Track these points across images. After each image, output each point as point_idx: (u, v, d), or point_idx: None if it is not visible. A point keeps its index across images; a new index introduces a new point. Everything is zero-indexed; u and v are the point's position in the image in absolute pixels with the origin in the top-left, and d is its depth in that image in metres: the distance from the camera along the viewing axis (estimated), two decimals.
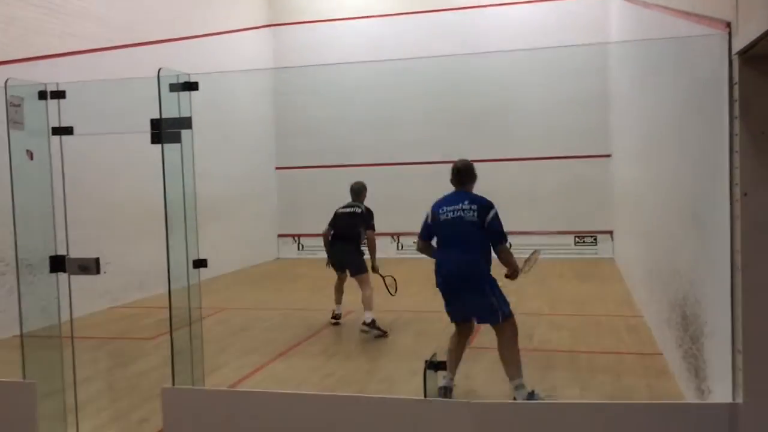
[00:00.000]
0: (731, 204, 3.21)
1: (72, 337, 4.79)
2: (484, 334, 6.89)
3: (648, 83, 6.98)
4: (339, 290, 7.95)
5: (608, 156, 12.53)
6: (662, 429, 3.27)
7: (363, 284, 7.46)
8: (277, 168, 14.64)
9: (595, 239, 13.09)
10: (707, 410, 3.33)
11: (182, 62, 5.27)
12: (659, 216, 6.17)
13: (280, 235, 14.62)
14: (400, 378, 5.47)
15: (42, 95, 4.32)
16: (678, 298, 5.00)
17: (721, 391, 3.57)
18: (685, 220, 4.74)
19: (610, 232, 12.79)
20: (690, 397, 4.49)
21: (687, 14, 4.50)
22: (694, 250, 4.43)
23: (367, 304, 7.25)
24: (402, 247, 13.83)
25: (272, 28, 14.58)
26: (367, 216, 7.90)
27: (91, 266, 4.42)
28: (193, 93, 4.14)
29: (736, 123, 3.14)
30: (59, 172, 4.82)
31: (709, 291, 3.96)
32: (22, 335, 4.30)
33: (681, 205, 4.92)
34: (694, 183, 4.40)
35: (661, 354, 5.88)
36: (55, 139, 4.42)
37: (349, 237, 7.76)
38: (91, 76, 8.04)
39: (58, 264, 4.40)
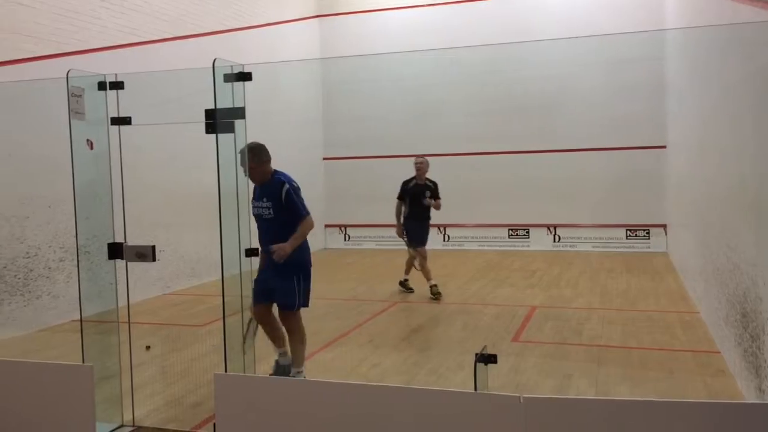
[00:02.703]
0: None
1: (129, 323, 4.94)
2: (532, 329, 6.83)
3: (708, 72, 6.75)
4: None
5: (663, 147, 12.19)
6: (721, 429, 3.17)
7: None
8: (325, 158, 14.73)
9: (648, 233, 12.77)
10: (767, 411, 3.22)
11: (232, 53, 5.32)
12: (717, 210, 5.97)
13: (326, 226, 14.72)
14: (447, 370, 5.45)
15: (101, 86, 4.43)
16: (738, 294, 4.83)
17: None
18: (747, 213, 4.57)
19: (664, 226, 12.46)
20: (750, 397, 4.34)
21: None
22: (757, 245, 4.27)
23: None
24: (448, 238, 13.77)
25: (320, 18, 14.63)
26: None
27: (148, 253, 4.53)
28: (245, 84, 4.19)
29: None
30: (117, 161, 4.96)
31: None
32: (81, 320, 4.44)
33: (741, 197, 4.75)
34: (757, 176, 4.24)
35: (719, 352, 5.70)
36: (114, 128, 4.54)
37: None
38: (147, 68, 8.23)
39: (116, 251, 4.52)
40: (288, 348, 5.15)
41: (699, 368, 5.37)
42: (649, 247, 12.70)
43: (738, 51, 4.96)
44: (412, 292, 8.82)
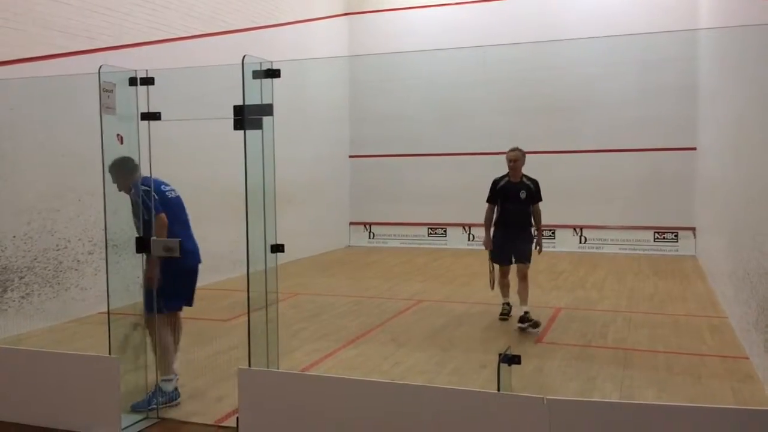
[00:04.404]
0: None
1: (155, 316, 4.99)
2: (556, 330, 6.77)
3: (742, 73, 6.62)
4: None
5: (693, 149, 12.00)
6: None
7: None
8: (351, 156, 14.76)
9: (677, 235, 12.58)
10: None
11: (261, 50, 5.35)
12: (749, 213, 5.85)
13: (351, 223, 14.76)
14: (470, 370, 5.43)
15: (132, 81, 4.49)
16: None
17: None
18: None
19: (693, 229, 12.27)
20: None
21: None
22: None
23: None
24: (473, 238, 13.71)
25: (348, 16, 14.66)
26: None
27: (175, 248, 4.58)
28: (273, 81, 4.21)
29: None
30: (146, 156, 5.02)
31: None
32: (108, 313, 4.50)
33: None
34: None
35: (747, 358, 5.59)
36: (143, 124, 4.59)
37: None
38: (178, 64, 8.33)
39: (143, 245, 4.58)
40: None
41: (727, 374, 5.27)
42: (677, 250, 12.51)
43: None
44: (538, 325, 6.74)
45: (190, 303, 5.25)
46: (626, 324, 7.02)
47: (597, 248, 12.95)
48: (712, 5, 9.92)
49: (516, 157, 6.93)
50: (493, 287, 7.20)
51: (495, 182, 7.13)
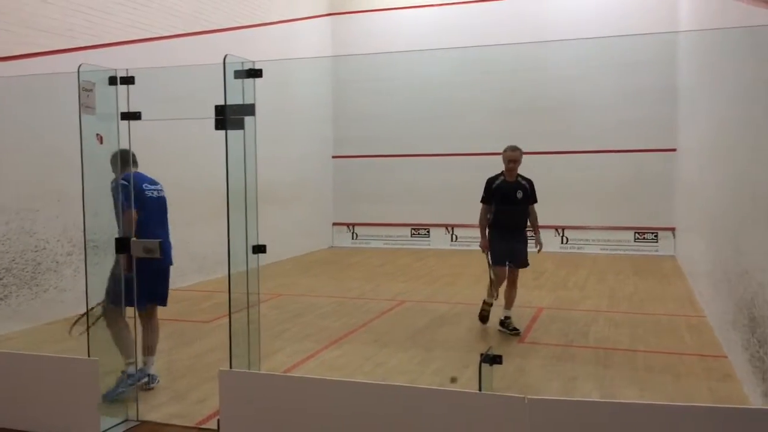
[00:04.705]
0: None
1: (135, 317, 4.96)
2: (538, 330, 6.81)
3: (720, 75, 6.71)
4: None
5: (673, 150, 12.13)
6: None
7: None
8: (334, 156, 14.74)
9: (656, 236, 12.71)
10: None
11: (244, 50, 5.33)
12: (727, 213, 5.93)
13: (334, 224, 14.74)
14: (452, 370, 5.44)
15: (112, 81, 4.45)
16: (746, 299, 4.80)
17: None
18: (757, 218, 4.54)
19: (672, 229, 12.40)
20: (756, 403, 4.31)
21: (766, 1, 4.30)
22: (767, 249, 4.24)
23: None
24: (456, 238, 13.76)
25: (332, 16, 14.64)
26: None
27: (155, 249, 4.55)
28: (256, 80, 4.19)
29: None
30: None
31: None
32: (88, 314, 4.46)
33: (752, 202, 4.72)
34: (767, 178, 4.21)
35: (725, 356, 5.67)
36: (123, 123, 4.55)
37: None
38: (160, 64, 8.26)
39: (123, 246, 4.54)
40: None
41: (705, 372, 5.34)
42: (657, 251, 12.64)
43: (752, 55, 4.92)
44: (518, 333, 6.56)
45: (163, 302, 5.24)
46: (607, 323, 7.08)
47: (578, 248, 13.05)
48: (691, 8, 10.03)
49: (516, 158, 6.67)
50: (496, 296, 6.73)
51: (490, 182, 6.78)
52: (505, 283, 6.76)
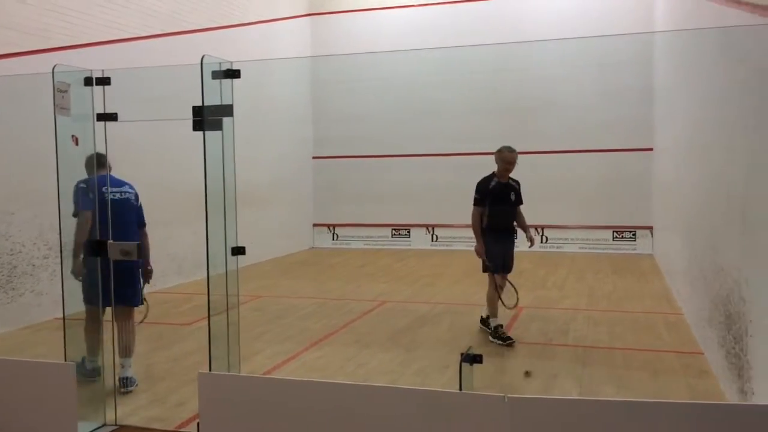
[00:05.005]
0: None
1: (113, 321, 4.91)
2: (518, 329, 6.85)
3: (695, 75, 6.80)
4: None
5: (650, 150, 12.27)
6: (703, 430, 3.19)
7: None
8: (314, 157, 14.70)
9: (634, 234, 12.85)
10: (750, 412, 3.24)
11: (223, 51, 5.30)
12: (702, 211, 6.01)
13: (315, 225, 14.70)
14: (433, 370, 5.45)
15: (88, 81, 4.39)
16: (722, 296, 4.87)
17: (765, 392, 3.46)
18: (732, 216, 4.61)
19: (650, 228, 12.55)
20: (732, 399, 4.37)
21: (738, 3, 4.36)
22: (741, 247, 4.30)
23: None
24: (437, 238, 13.79)
25: (312, 17, 14.61)
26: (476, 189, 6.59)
27: (132, 251, 4.50)
28: (234, 81, 4.17)
29: None
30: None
31: (756, 289, 3.85)
32: (64, 318, 4.40)
33: (727, 200, 4.79)
34: (742, 177, 4.27)
35: (702, 353, 5.74)
36: (100, 124, 4.50)
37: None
38: (138, 64, 8.18)
39: (99, 248, 4.48)
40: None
41: (683, 369, 5.40)
42: (635, 249, 12.78)
43: (725, 55, 5.00)
44: (512, 342, 6.24)
45: (129, 303, 5.22)
46: (586, 322, 7.13)
47: (558, 248, 13.15)
48: (667, 8, 10.16)
49: (515, 159, 6.49)
50: (516, 303, 6.43)
51: (485, 183, 6.49)
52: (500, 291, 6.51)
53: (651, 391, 4.88)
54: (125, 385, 4.97)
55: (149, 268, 5.42)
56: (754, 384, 3.87)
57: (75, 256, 4.74)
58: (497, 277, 6.46)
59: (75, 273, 4.74)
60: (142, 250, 5.30)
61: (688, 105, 7.28)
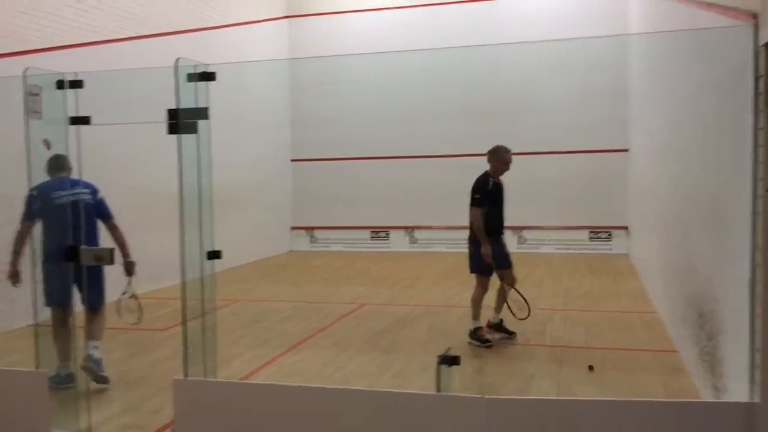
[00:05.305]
0: (754, 200, 3.15)
1: (86, 328, 4.83)
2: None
3: (668, 77, 6.89)
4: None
5: (625, 150, 12.41)
6: (677, 427, 3.23)
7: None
8: (293, 160, 14.65)
9: (610, 234, 12.98)
10: (723, 409, 3.29)
11: (200, 53, 5.27)
12: (677, 212, 6.09)
13: (293, 228, 14.64)
14: (412, 372, 5.45)
15: (60, 84, 4.32)
16: (695, 294, 4.93)
17: (737, 389, 3.51)
18: (704, 216, 4.67)
19: (625, 228, 12.68)
20: (706, 396, 4.43)
21: (710, 5, 4.43)
22: (714, 246, 4.36)
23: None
24: (416, 240, 13.81)
25: (289, 19, 14.56)
26: (472, 190, 6.44)
27: (106, 256, 4.44)
28: (211, 84, 4.13)
29: (762, 116, 3.08)
30: (76, 161, 4.85)
31: (727, 288, 3.91)
32: (36, 325, 4.33)
33: (700, 201, 4.85)
34: (714, 178, 4.34)
35: (677, 351, 5.81)
36: (73, 128, 4.43)
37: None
38: (109, 67, 8.07)
39: (73, 254, 4.41)
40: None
41: (658, 367, 5.46)
42: (611, 249, 12.90)
43: (699, 57, 5.07)
44: (513, 335, 6.44)
45: (91, 306, 5.18)
46: (563, 322, 7.19)
47: (535, 248, 13.23)
48: (642, 11, 10.29)
49: (511, 159, 6.44)
50: (519, 316, 6.18)
51: (483, 183, 6.37)
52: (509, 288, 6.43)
53: (628, 389, 4.93)
54: (91, 362, 4.93)
55: (130, 260, 5.38)
56: (726, 381, 3.92)
57: (11, 263, 4.85)
58: (506, 288, 6.35)
59: (11, 280, 4.76)
60: (121, 246, 5.29)
61: (663, 106, 7.37)
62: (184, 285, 4.01)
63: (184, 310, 3.97)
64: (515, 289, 6.35)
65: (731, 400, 3.58)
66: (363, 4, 14.21)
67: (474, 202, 6.35)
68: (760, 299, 3.07)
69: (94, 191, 5.33)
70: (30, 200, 4.79)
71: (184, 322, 3.97)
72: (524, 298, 6.25)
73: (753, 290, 3.15)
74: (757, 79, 3.12)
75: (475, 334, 6.32)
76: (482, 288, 6.41)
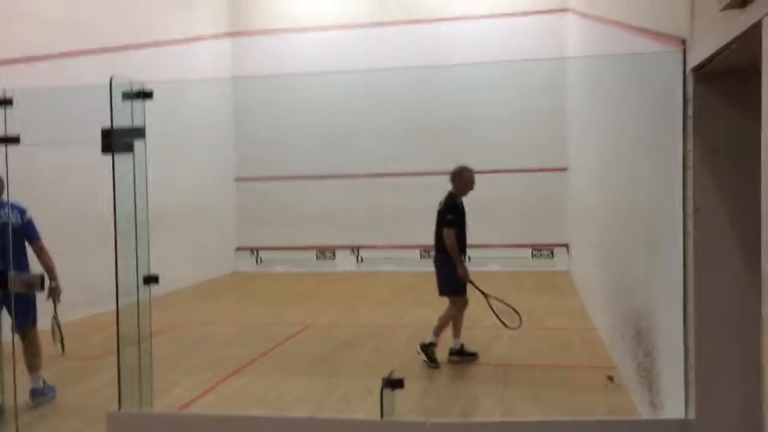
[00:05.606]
0: (684, 219, 3.25)
1: (14, 358, 4.60)
2: (442, 351, 6.88)
3: (603, 98, 7.11)
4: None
5: (565, 170, 12.72)
6: None
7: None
8: (237, 179, 14.44)
9: (552, 252, 13.24)
10: (659, 426, 3.35)
11: (140, 70, 5.12)
12: (613, 230, 6.25)
13: (238, 248, 14.40)
14: (357, 396, 5.39)
15: None
16: (631, 311, 5.05)
17: (673, 405, 3.59)
18: (639, 235, 4.80)
19: (566, 246, 12.95)
20: (644, 412, 4.52)
21: (643, 30, 4.59)
22: (648, 264, 4.48)
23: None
24: (362, 260, 13.76)
25: (233, 37, 14.43)
26: (444, 210, 6.38)
27: (36, 283, 4.26)
28: (152, 102, 4.04)
29: (690, 139, 3.19)
30: (6, 181, 4.65)
31: (661, 305, 4.01)
32: None
33: (634, 220, 4.99)
34: (647, 198, 4.47)
35: (615, 367, 5.93)
36: (0, 148, 4.25)
37: (436, 241, 6.46)
38: (41, 84, 7.80)
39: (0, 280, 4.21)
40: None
41: (598, 384, 5.55)
42: (553, 266, 13.15)
43: (631, 79, 5.24)
44: (476, 356, 6.45)
45: (17, 327, 5.00)
46: (508, 340, 7.24)
47: (481, 266, 13.33)
48: (579, 35, 10.62)
49: (474, 179, 6.63)
50: (512, 326, 6.19)
51: (454, 203, 6.42)
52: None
53: (569, 407, 4.99)
54: (35, 396, 4.77)
55: (53, 284, 5.17)
56: (663, 397, 4.01)
57: None
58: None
59: None
60: (48, 269, 5.09)
61: (598, 126, 7.59)
62: (118, 311, 3.86)
63: (118, 337, 3.83)
64: (499, 299, 6.32)
65: (668, 417, 3.66)
66: (307, 23, 14.20)
67: (447, 223, 6.30)
68: (692, 316, 3.15)
69: (22, 211, 5.16)
70: None
71: (118, 351, 3.82)
72: (512, 307, 6.25)
73: (685, 307, 3.23)
74: (685, 102, 3.24)
75: (428, 349, 6.21)
76: (462, 306, 6.40)
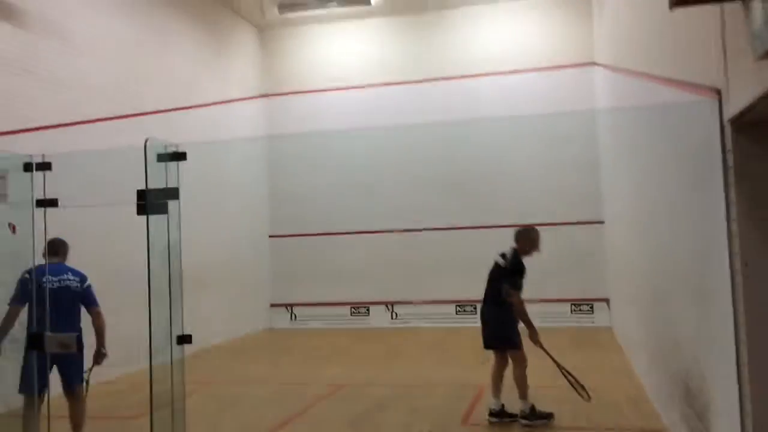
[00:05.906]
0: (732, 274, 3.11)
1: (48, 416, 4.60)
2: (483, 410, 6.65)
3: (636, 150, 7.00)
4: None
5: (601, 222, 12.50)
6: None
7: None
8: (271, 236, 14.55)
9: (592, 307, 12.89)
10: None
11: (176, 132, 5.25)
12: (655, 285, 6.04)
13: (272, 305, 14.38)
14: None
15: (27, 167, 4.27)
16: (681, 371, 4.82)
17: None
18: (684, 291, 4.62)
19: (606, 300, 12.61)
20: None
21: (671, 81, 4.53)
22: (696, 322, 4.28)
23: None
24: (396, 315, 13.59)
25: (265, 98, 14.78)
26: (510, 270, 6.44)
27: (71, 343, 4.29)
28: (189, 162, 4.11)
29: (732, 190, 3.08)
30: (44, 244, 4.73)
31: (714, 366, 3.80)
32: None
33: (678, 275, 4.81)
34: (691, 252, 4.31)
35: (666, 430, 5.63)
36: (39, 210, 4.34)
37: (491, 294, 6.55)
38: (79, 147, 8.02)
39: (36, 341, 4.24)
40: None
41: None
42: (593, 322, 12.78)
43: (664, 131, 5.15)
44: (516, 417, 6.25)
45: (73, 381, 5.18)
46: (550, 400, 6.97)
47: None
48: (607, 87, 10.59)
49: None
50: (585, 396, 6.14)
51: (522, 263, 6.55)
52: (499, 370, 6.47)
53: None
54: None
55: (103, 351, 5.34)
56: None
57: None
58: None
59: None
60: (99, 334, 5.30)
61: (633, 179, 7.46)
62: (151, 372, 3.83)
63: (151, 399, 3.78)
64: (564, 372, 6.26)
65: None
66: (339, 82, 14.48)
67: (514, 285, 6.37)
68: (747, 379, 2.97)
69: (81, 279, 5.35)
70: (22, 283, 4.78)
71: (151, 413, 3.77)
72: (575, 379, 6.14)
73: (739, 369, 3.06)
74: (724, 154, 3.14)
75: (534, 413, 6.05)
76: (523, 360, 6.34)
